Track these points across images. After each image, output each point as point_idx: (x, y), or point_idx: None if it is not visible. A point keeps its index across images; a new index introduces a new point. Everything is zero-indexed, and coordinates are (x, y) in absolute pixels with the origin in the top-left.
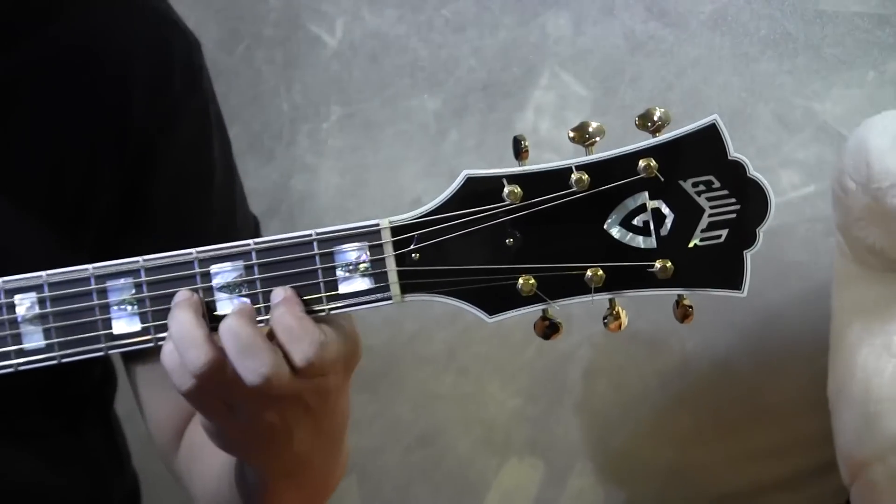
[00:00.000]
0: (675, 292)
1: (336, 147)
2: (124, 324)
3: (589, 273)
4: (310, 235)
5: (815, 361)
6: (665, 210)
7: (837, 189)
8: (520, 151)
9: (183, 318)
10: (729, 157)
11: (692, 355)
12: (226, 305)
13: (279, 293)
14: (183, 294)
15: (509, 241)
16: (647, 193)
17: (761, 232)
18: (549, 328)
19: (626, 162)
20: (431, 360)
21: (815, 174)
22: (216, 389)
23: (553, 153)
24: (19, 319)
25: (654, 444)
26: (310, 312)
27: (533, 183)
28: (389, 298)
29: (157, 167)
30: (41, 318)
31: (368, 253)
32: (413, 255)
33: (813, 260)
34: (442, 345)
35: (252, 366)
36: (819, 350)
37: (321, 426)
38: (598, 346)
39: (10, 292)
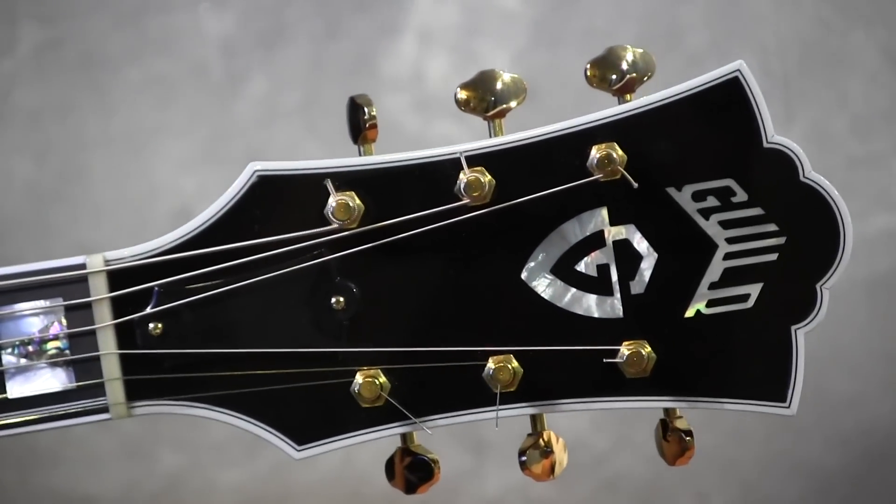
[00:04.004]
0: (658, 405)
1: (28, 105)
2: None
3: (492, 366)
4: None
5: None
6: (640, 245)
7: None
8: (360, 127)
9: None
10: (765, 144)
11: None
12: None
13: None
14: None
15: (337, 301)
16: (605, 212)
17: (826, 290)
18: (413, 470)
19: (567, 150)
20: None
21: None
22: None
23: (455, 124)
24: None
25: None
26: None
27: (385, 189)
28: (105, 410)
29: None
30: None
31: (65, 321)
32: (150, 325)
33: None
34: (230, 496)
35: None
36: None
37: None
38: None
39: None
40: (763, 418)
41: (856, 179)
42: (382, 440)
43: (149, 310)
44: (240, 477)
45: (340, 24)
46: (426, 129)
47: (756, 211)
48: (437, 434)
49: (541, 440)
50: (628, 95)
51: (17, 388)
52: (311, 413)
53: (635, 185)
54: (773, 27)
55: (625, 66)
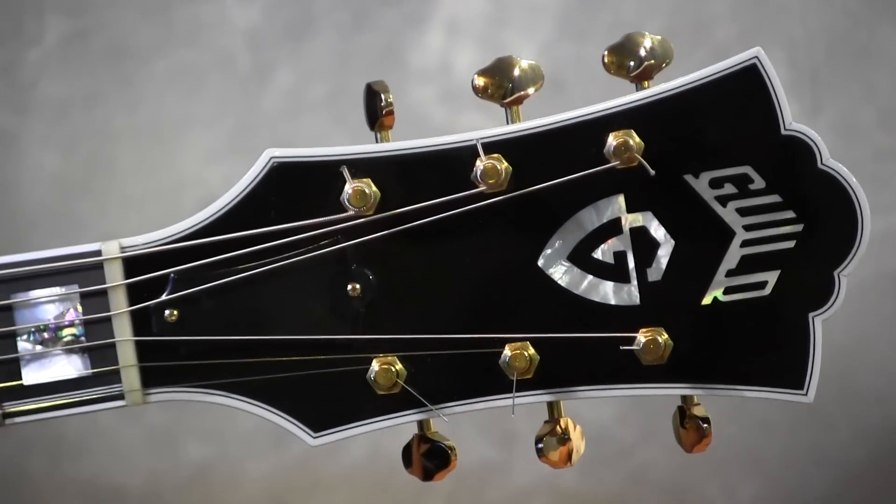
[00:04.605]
0: (675, 392)
1: (56, 95)
2: None
3: (508, 353)
4: None
5: None
6: (657, 232)
7: None
8: (377, 114)
9: None
10: (783, 131)
11: None
12: None
13: None
14: None
15: (353, 288)
16: (622, 199)
17: (844, 278)
18: (430, 458)
19: (584, 137)
20: None
21: None
22: None
23: (482, 116)
24: None
25: None
26: None
27: (401, 176)
28: (120, 397)
29: None
30: None
31: (80, 307)
32: (166, 312)
33: None
34: (258, 486)
35: None
36: None
37: None
38: (567, 497)
39: None
40: (789, 410)
41: (883, 172)
42: (408, 430)
43: (164, 296)
44: (267, 468)
45: (368, 16)
46: (454, 121)
47: (774, 198)
48: (465, 426)
49: (558, 427)
50: (646, 82)
51: (32, 375)
52: (327, 400)
53: (652, 172)
54: (800, 20)
55: (643, 52)
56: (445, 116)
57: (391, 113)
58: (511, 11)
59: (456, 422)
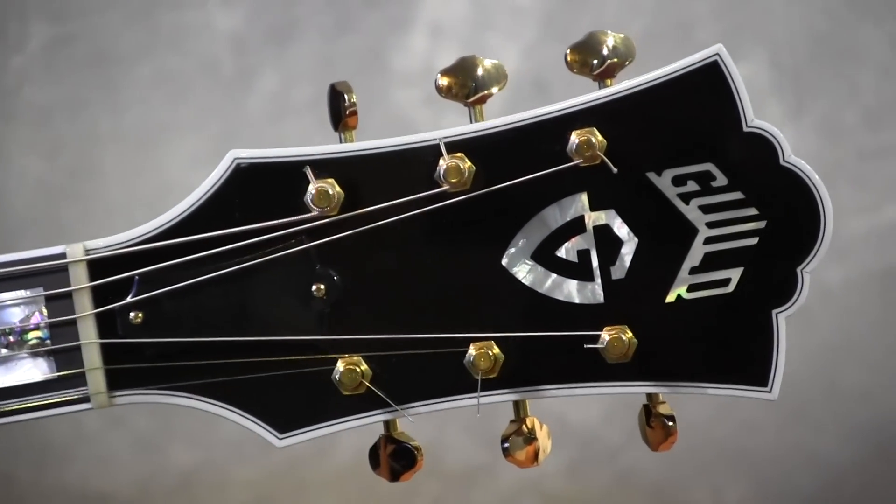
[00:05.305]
0: (640, 390)
1: (40, 101)
2: None
3: (473, 352)
4: None
5: None
6: (620, 230)
7: None
8: (341, 114)
9: None
10: (745, 128)
11: None
12: None
13: None
14: None
15: (318, 288)
16: (585, 197)
17: (807, 274)
18: (397, 458)
19: (546, 136)
20: None
21: None
22: None
23: (466, 119)
24: None
25: None
26: None
27: (364, 176)
28: (86, 400)
29: None
30: None
31: (45, 311)
32: (131, 314)
33: None
34: (244, 491)
35: None
36: None
37: None
38: (554, 499)
39: None
40: (776, 411)
41: (867, 171)
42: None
43: (129, 299)
44: (253, 473)
45: (351, 19)
46: (437, 124)
47: (736, 195)
48: (451, 429)
49: (524, 427)
50: (609, 80)
51: None
52: (293, 401)
53: (615, 170)
54: (782, 21)
55: (605, 50)
56: (429, 119)
57: (354, 113)
58: (494, 14)
59: (442, 424)
